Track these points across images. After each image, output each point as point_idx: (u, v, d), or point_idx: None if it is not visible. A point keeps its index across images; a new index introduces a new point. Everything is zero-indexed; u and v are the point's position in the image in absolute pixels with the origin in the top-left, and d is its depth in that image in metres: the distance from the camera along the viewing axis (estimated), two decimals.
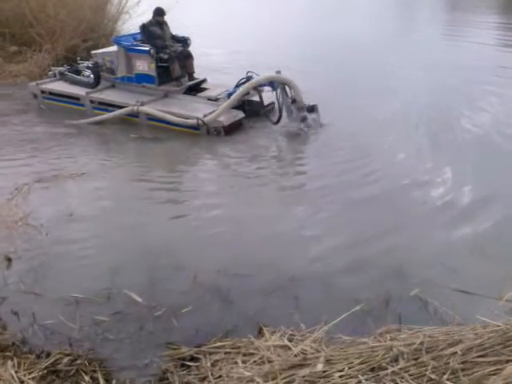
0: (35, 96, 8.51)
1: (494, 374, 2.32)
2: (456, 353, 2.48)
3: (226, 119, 7.00)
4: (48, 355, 3.07)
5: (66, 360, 3.01)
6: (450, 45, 13.04)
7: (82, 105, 8.09)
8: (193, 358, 3.03)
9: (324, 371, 2.57)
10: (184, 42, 8.14)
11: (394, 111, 7.83)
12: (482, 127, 7.11)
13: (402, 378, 2.43)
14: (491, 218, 4.73)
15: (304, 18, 18.52)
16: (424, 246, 4.33)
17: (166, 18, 8.07)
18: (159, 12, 7.88)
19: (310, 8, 21.21)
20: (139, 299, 3.66)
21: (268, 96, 7.39)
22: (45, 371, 2.92)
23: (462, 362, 2.44)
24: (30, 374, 2.89)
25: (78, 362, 3.01)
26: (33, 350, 3.15)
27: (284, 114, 7.14)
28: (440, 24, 17.30)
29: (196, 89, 8.10)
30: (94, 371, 2.97)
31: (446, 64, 10.72)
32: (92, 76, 8.29)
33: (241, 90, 7.03)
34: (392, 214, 4.88)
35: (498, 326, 2.65)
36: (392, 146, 6.52)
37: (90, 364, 3.02)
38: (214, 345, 3.10)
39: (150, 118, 7.36)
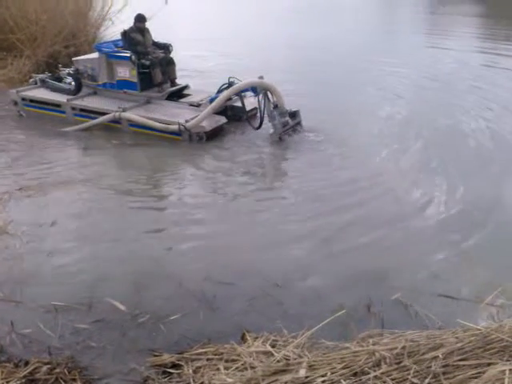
0: (16, 103, 8.40)
1: (475, 378, 2.32)
2: (437, 357, 2.49)
3: (208, 124, 6.98)
4: (26, 364, 3.02)
5: (44, 368, 2.96)
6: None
7: (63, 112, 8.02)
8: (175, 365, 3.01)
9: (306, 377, 2.55)
10: (166, 48, 8.11)
11: (378, 115, 7.94)
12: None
13: (384, 382, 2.42)
14: (472, 224, 4.76)
15: (290, 19, 18.71)
16: (405, 252, 4.36)
17: (149, 25, 8.05)
18: (140, 18, 7.85)
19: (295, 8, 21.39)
20: (122, 307, 3.62)
21: (250, 102, 7.39)
22: (23, 380, 2.87)
23: (444, 366, 2.44)
24: (7, 383, 2.84)
25: (58, 370, 2.96)
26: (11, 359, 3.10)
27: (266, 119, 7.13)
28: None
29: (178, 95, 8.07)
30: (74, 379, 2.93)
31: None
32: (73, 83, 8.23)
33: (223, 95, 7.01)
34: (375, 220, 4.89)
35: (479, 329, 2.66)
36: (368, 148, 6.60)
37: (69, 372, 2.97)
38: (197, 351, 3.08)
39: (132, 124, 7.33)
